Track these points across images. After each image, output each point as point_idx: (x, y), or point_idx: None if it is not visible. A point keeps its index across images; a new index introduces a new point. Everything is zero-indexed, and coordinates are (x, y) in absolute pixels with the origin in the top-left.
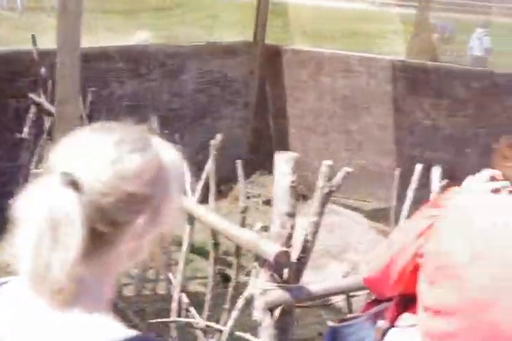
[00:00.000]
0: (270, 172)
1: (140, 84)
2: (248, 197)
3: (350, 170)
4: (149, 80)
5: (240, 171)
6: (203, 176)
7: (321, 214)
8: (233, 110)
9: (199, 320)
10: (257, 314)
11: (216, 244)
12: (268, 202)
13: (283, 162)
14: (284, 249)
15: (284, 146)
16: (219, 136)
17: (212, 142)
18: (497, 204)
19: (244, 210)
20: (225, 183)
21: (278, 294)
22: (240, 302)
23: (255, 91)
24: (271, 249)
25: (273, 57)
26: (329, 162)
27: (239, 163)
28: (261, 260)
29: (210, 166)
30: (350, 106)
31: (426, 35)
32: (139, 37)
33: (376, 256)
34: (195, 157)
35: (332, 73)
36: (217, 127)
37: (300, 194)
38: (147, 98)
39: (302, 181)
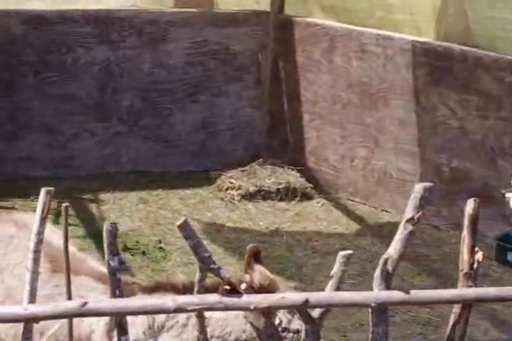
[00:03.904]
0: (278, 162)
1: (111, 51)
2: (227, 189)
3: None
4: (123, 48)
5: None
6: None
7: None
8: (240, 88)
9: None
10: None
11: None
12: (245, 197)
13: None
14: None
15: (299, 135)
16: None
17: None
18: None
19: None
20: (223, 168)
21: None
22: None
23: (269, 68)
24: None
25: (285, 30)
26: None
27: None
28: None
29: None
30: (365, 94)
31: (458, 11)
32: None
33: None
34: (196, 135)
35: (346, 53)
36: (218, 105)
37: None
38: (122, 67)
39: (314, 178)
